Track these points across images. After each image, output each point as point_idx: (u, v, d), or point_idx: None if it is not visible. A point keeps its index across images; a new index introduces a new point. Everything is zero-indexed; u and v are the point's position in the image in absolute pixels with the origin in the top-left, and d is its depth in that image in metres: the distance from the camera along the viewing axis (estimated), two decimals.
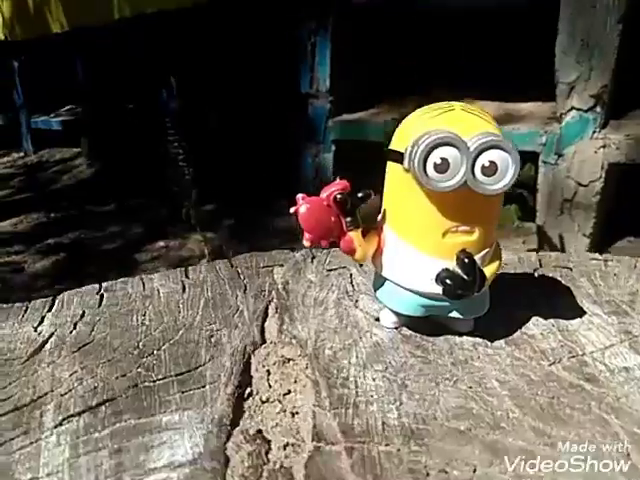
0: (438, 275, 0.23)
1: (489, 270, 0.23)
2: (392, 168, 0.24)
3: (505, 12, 1.74)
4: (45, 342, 0.26)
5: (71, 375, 0.23)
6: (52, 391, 0.22)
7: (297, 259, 0.36)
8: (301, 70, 1.85)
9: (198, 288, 0.32)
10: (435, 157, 0.21)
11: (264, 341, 0.26)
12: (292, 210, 0.23)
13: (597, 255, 0.35)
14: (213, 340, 0.26)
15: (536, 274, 0.33)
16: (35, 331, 0.27)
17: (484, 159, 0.21)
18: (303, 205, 0.23)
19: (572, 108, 1.43)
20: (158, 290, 0.32)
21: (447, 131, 0.21)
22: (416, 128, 0.22)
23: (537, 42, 1.53)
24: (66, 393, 0.22)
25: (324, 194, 0.23)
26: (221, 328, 0.27)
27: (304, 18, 1.81)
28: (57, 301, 0.30)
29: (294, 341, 0.26)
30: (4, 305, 0.30)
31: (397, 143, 0.23)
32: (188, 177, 1.66)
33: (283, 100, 1.76)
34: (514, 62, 1.75)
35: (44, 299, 0.31)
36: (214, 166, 2.28)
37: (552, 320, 0.27)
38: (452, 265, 0.23)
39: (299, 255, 0.37)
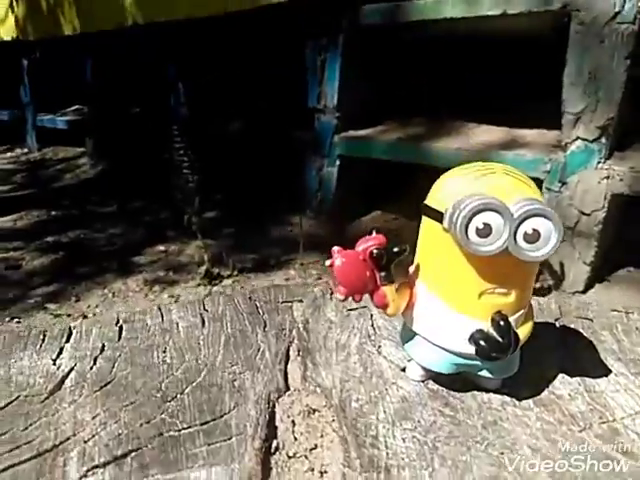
0: (472, 335, 0.22)
1: (522, 332, 0.23)
2: (429, 224, 0.24)
3: (515, 41, 1.76)
4: (65, 377, 0.26)
5: (94, 418, 0.23)
6: (75, 435, 0.22)
7: (316, 295, 0.36)
8: (310, 85, 1.87)
9: (217, 323, 0.32)
10: (478, 222, 0.21)
11: (288, 387, 0.26)
12: (328, 263, 0.23)
13: (618, 306, 0.35)
14: (236, 385, 0.25)
15: (557, 324, 0.33)
16: (54, 364, 0.27)
17: (527, 226, 0.21)
18: (339, 258, 0.23)
19: (578, 138, 1.45)
20: (177, 323, 0.31)
21: (491, 197, 0.21)
22: (457, 189, 0.22)
23: (545, 71, 1.56)
24: (90, 439, 0.21)
25: (360, 248, 0.23)
26: (244, 371, 0.27)
27: (315, 34, 1.83)
28: (75, 331, 0.30)
29: (318, 390, 0.25)
30: (21, 332, 0.30)
31: (436, 201, 0.23)
32: (192, 184, 1.66)
33: (290, 113, 1.77)
34: (521, 89, 1.78)
35: (61, 327, 0.30)
36: (218, 174, 2.28)
37: (578, 379, 0.27)
38: (486, 326, 0.23)
39: (318, 290, 0.37)
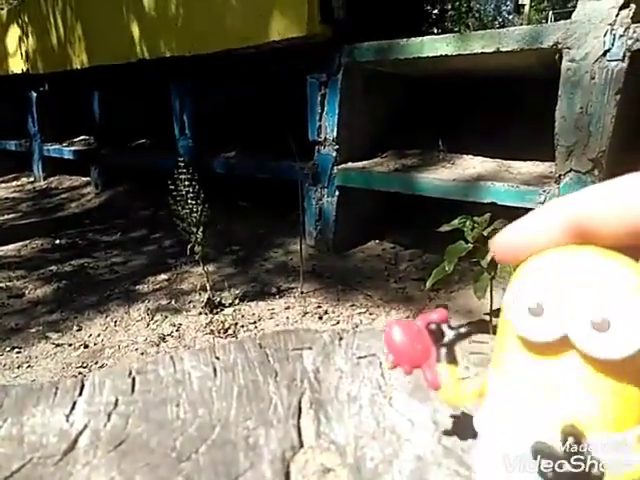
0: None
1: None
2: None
3: (509, 78, 1.81)
4: (79, 435, 0.26)
5: None
6: None
7: (325, 341, 0.36)
8: (310, 118, 1.91)
9: (229, 373, 0.32)
10: None
11: (302, 444, 0.26)
12: (381, 329, 0.22)
13: None
14: (250, 442, 0.26)
15: None
16: (67, 421, 0.27)
17: None
18: (395, 327, 0.21)
19: (571, 170, 1.47)
20: (189, 374, 0.31)
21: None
22: None
23: (538, 106, 1.60)
24: None
25: (419, 321, 0.21)
26: (257, 426, 0.27)
27: (315, 70, 1.89)
28: (87, 383, 0.30)
29: (332, 447, 0.26)
30: (33, 386, 0.30)
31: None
32: (195, 214, 1.68)
33: (291, 145, 1.80)
34: (515, 123, 1.82)
35: (74, 379, 0.30)
36: (221, 204, 2.30)
37: None
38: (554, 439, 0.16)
39: (327, 336, 0.37)
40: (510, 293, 0.17)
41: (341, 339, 0.37)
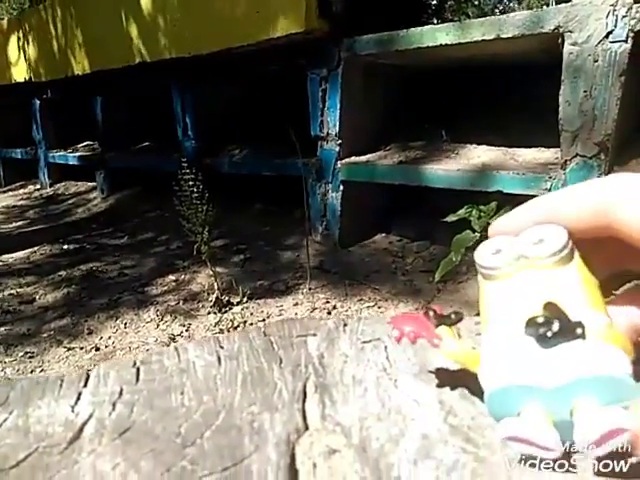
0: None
1: None
2: None
3: (511, 65, 1.79)
4: (84, 424, 0.26)
5: (114, 468, 0.23)
6: None
7: (330, 327, 0.36)
8: (312, 114, 1.91)
9: (234, 361, 0.32)
10: None
11: (307, 427, 0.26)
12: (388, 320, 0.25)
13: None
14: (255, 426, 0.25)
15: None
16: (72, 411, 0.27)
17: None
18: (398, 314, 0.25)
19: (576, 155, 1.45)
20: (194, 363, 0.31)
21: None
22: None
23: (541, 92, 1.58)
24: None
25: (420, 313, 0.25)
26: (262, 411, 0.27)
27: (316, 66, 1.88)
28: (92, 375, 0.30)
29: (338, 429, 0.25)
30: (39, 379, 0.30)
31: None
32: (201, 214, 1.68)
33: (295, 141, 1.80)
34: (518, 110, 1.80)
35: (79, 372, 0.30)
36: (226, 203, 2.31)
37: None
38: None
39: (331, 323, 0.37)
40: (480, 247, 0.23)
41: (345, 325, 0.37)
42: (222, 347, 0.33)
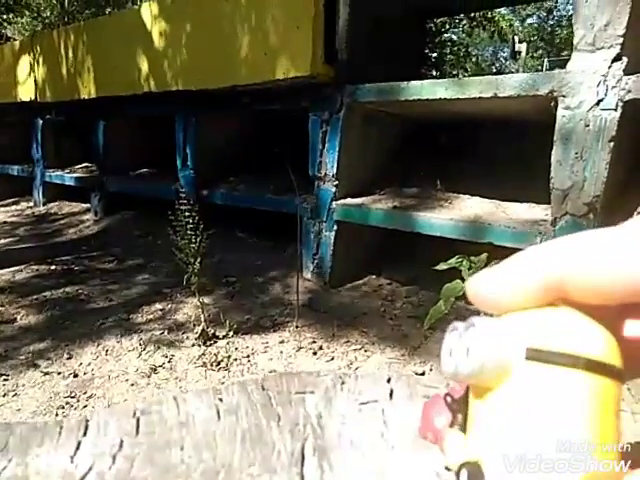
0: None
1: None
2: None
3: (506, 121, 1.88)
4: (83, 478, 0.26)
5: None
6: None
7: (327, 385, 0.37)
8: (311, 155, 1.96)
9: (233, 416, 0.32)
10: None
11: None
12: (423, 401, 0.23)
13: None
14: None
15: None
16: (72, 462, 0.27)
17: None
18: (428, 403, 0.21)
19: (566, 213, 1.51)
20: (193, 416, 0.32)
21: None
22: None
23: (534, 149, 1.65)
24: None
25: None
26: (261, 473, 0.27)
27: (318, 108, 1.95)
28: (92, 423, 0.30)
29: None
30: (37, 424, 0.30)
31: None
32: (194, 244, 1.68)
33: (293, 179, 1.84)
34: (511, 165, 1.87)
35: (79, 418, 0.30)
36: (220, 234, 2.31)
37: None
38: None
39: (329, 380, 0.37)
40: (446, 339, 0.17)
41: (343, 383, 0.37)
42: (221, 400, 0.34)
